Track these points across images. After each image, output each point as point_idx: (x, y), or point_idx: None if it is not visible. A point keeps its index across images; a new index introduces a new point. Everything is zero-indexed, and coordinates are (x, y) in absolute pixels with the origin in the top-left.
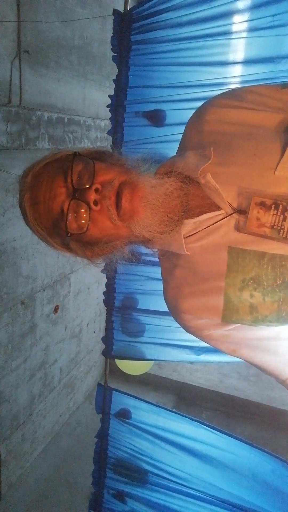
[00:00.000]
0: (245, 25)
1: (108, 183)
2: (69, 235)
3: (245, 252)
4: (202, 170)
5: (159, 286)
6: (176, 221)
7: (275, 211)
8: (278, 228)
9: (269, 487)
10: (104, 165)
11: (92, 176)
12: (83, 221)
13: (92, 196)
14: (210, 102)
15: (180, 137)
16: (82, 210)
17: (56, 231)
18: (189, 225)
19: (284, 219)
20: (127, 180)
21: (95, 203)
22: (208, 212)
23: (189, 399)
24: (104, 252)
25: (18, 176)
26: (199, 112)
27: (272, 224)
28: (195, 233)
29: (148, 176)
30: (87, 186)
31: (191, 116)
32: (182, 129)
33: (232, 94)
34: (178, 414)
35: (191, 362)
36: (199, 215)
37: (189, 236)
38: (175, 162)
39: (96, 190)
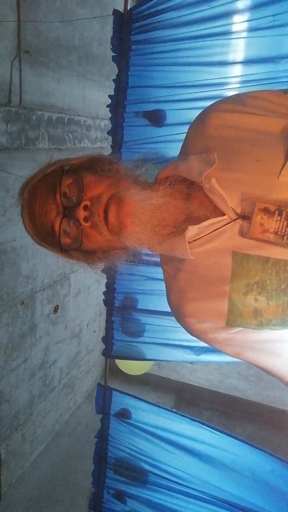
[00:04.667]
0: (245, 25)
1: (96, 198)
2: (64, 251)
3: (249, 257)
4: (206, 175)
5: (159, 286)
6: (168, 234)
7: (279, 217)
8: (282, 234)
9: (269, 487)
10: (94, 178)
11: (81, 193)
12: (76, 237)
13: (82, 213)
14: (213, 107)
15: (180, 137)
16: (74, 227)
17: (54, 244)
18: (193, 230)
19: (287, 225)
20: (115, 194)
21: (85, 219)
22: (211, 217)
23: (189, 399)
24: (104, 259)
25: (18, 176)
26: (202, 116)
27: (276, 230)
28: (199, 238)
29: (137, 189)
30: (76, 204)
31: (194, 120)
32: (182, 129)
33: (235, 99)
34: (178, 414)
35: (191, 362)
36: (202, 220)
37: (193, 241)
38: (177, 166)
39: (85, 207)
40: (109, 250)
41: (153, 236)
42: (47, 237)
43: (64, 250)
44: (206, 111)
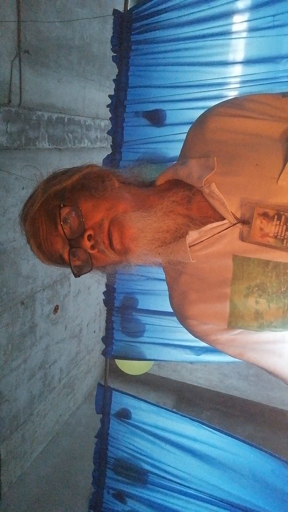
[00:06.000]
0: (245, 25)
1: (98, 226)
2: (78, 276)
3: (249, 260)
4: (206, 180)
5: (159, 286)
6: (170, 241)
7: (278, 221)
8: (281, 237)
9: (269, 487)
10: (91, 204)
11: (82, 223)
12: (86, 261)
13: (87, 243)
14: (211, 111)
15: (180, 137)
16: (82, 253)
17: (66, 266)
18: (193, 235)
19: (287, 229)
20: (115, 218)
21: (92, 247)
22: (212, 222)
23: (189, 399)
24: (115, 270)
25: (18, 176)
26: (201, 120)
27: (275, 234)
28: (200, 242)
29: (136, 210)
30: (80, 235)
31: (193, 124)
32: (182, 129)
33: (233, 102)
34: (178, 414)
35: (191, 362)
36: (202, 224)
37: (194, 245)
38: (177, 170)
39: (89, 237)
40: (118, 263)
41: (157, 254)
42: (58, 262)
43: (78, 275)
44: (204, 115)
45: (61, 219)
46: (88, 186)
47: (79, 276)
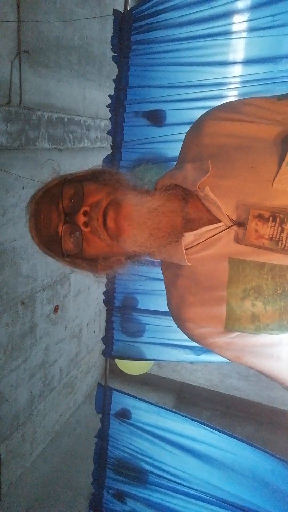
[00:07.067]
0: (245, 25)
1: (96, 204)
2: (65, 256)
3: (245, 262)
4: (201, 183)
5: (159, 286)
6: (165, 238)
7: (273, 223)
8: (277, 239)
9: (269, 487)
10: (94, 186)
11: (81, 199)
12: (77, 242)
13: (81, 219)
14: (207, 115)
15: (180, 137)
16: (75, 232)
17: (58, 251)
18: (189, 237)
19: (282, 231)
20: (113, 199)
21: (85, 224)
22: (208, 224)
23: (189, 399)
24: (107, 268)
25: (18, 176)
26: (197, 125)
27: (271, 236)
28: (196, 244)
29: (134, 194)
30: (77, 210)
31: (189, 129)
32: (182, 129)
33: (229, 106)
34: (178, 414)
35: (191, 362)
36: (199, 226)
37: (190, 247)
38: (174, 175)
39: (85, 213)
40: (111, 257)
41: (150, 238)
42: (51, 244)
43: (65, 255)
44: (200, 120)
45: (62, 195)
46: (96, 178)
47: (67, 257)
